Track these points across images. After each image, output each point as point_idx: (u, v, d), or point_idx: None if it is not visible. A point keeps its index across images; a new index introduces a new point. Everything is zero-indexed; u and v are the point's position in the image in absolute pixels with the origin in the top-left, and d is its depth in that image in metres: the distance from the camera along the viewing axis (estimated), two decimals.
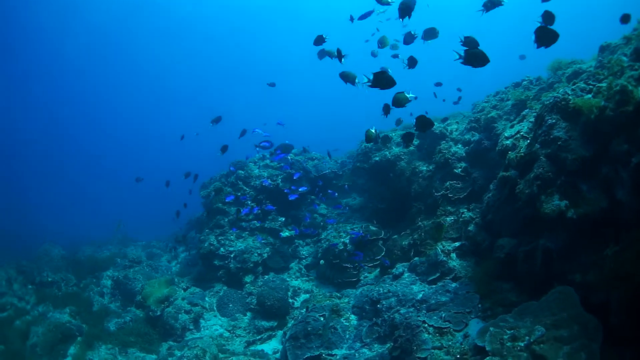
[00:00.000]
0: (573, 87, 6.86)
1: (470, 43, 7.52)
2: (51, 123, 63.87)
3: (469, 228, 9.29)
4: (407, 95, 6.93)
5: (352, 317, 9.77)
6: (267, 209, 13.64)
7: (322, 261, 12.15)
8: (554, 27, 6.40)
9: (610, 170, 5.71)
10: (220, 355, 9.34)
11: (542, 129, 6.72)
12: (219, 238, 13.17)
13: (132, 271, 14.21)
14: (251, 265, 12.57)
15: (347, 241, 11.83)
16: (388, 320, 8.49)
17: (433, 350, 6.83)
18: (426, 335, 7.21)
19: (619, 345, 5.12)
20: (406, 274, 9.84)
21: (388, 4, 9.19)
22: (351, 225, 12.60)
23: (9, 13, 46.99)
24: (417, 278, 9.53)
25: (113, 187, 45.94)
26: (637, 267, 4.92)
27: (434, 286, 8.78)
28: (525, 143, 7.55)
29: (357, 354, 8.52)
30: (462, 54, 6.39)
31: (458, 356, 6.44)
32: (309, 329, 9.20)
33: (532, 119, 7.99)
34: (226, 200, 13.68)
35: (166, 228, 19.59)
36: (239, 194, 13.98)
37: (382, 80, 6.48)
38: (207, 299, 12.04)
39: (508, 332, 5.84)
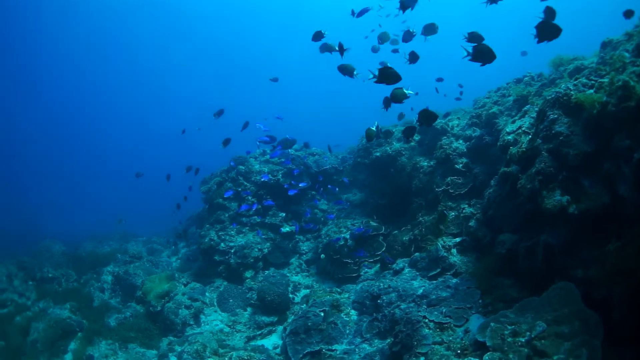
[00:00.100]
0: (575, 82, 6.83)
1: (475, 38, 7.50)
2: (51, 120, 63.85)
3: (470, 224, 9.28)
4: (406, 92, 6.90)
5: (353, 312, 9.78)
6: (267, 205, 13.61)
7: (322, 255, 12.14)
8: (555, 22, 6.38)
9: (612, 166, 5.69)
10: (221, 351, 9.34)
11: (544, 124, 6.69)
12: (220, 233, 13.16)
13: (133, 267, 14.20)
14: (251, 260, 12.57)
15: (348, 236, 11.82)
16: (388, 315, 8.48)
17: (433, 346, 6.82)
18: (427, 330, 7.20)
19: (620, 342, 5.11)
20: (407, 270, 9.83)
21: None
22: (352, 221, 12.58)
23: (9, 12, 46.95)
24: (417, 273, 9.52)
25: (114, 183, 45.92)
26: (639, 263, 4.90)
27: (435, 282, 8.78)
28: (527, 138, 7.53)
29: (357, 349, 8.53)
30: (470, 50, 6.38)
31: (459, 351, 6.43)
32: (309, 324, 9.20)
33: (534, 115, 7.96)
34: (225, 196, 13.65)
35: (167, 224, 19.60)
36: (240, 189, 13.95)
37: (387, 75, 6.46)
38: (207, 294, 12.04)
39: (509, 327, 5.83)
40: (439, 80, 13.41)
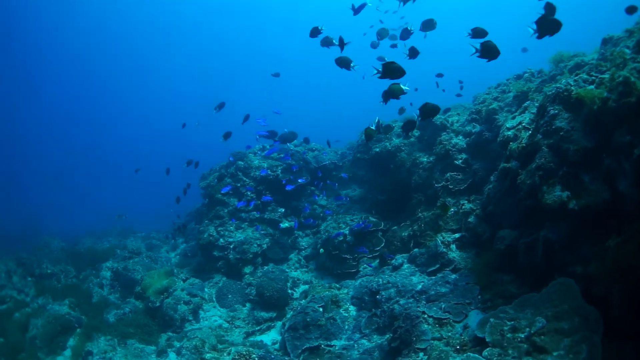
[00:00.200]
0: (575, 78, 6.81)
1: (479, 33, 7.51)
2: (51, 118, 63.97)
3: (469, 219, 9.27)
4: (403, 87, 6.88)
5: (351, 308, 9.78)
6: (265, 200, 13.59)
7: (321, 250, 12.13)
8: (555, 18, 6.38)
9: (612, 162, 5.67)
10: (219, 346, 9.34)
11: (544, 120, 6.67)
12: (219, 229, 13.13)
13: (132, 262, 14.18)
14: (250, 256, 12.55)
15: (347, 232, 11.80)
16: (387, 311, 8.48)
17: (432, 341, 6.82)
18: (426, 326, 7.20)
19: (620, 338, 5.11)
20: (406, 265, 9.82)
21: None
22: (351, 217, 12.56)
23: (10, 11, 46.87)
24: (416, 269, 9.52)
25: (114, 181, 46.01)
26: (639, 259, 4.89)
27: (434, 277, 8.78)
28: (527, 134, 7.51)
29: (356, 345, 8.53)
30: (477, 47, 6.49)
31: (458, 347, 6.43)
32: (308, 319, 9.19)
33: (534, 110, 7.94)
34: (222, 192, 13.62)
35: (166, 220, 19.56)
36: (239, 184, 13.93)
37: (391, 70, 6.45)
38: (206, 289, 12.03)
39: (508, 323, 5.82)
40: (439, 75, 13.38)
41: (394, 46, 12.16)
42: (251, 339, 10.32)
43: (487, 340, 5.81)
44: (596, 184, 5.86)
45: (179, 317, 11.05)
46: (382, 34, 11.61)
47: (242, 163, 14.35)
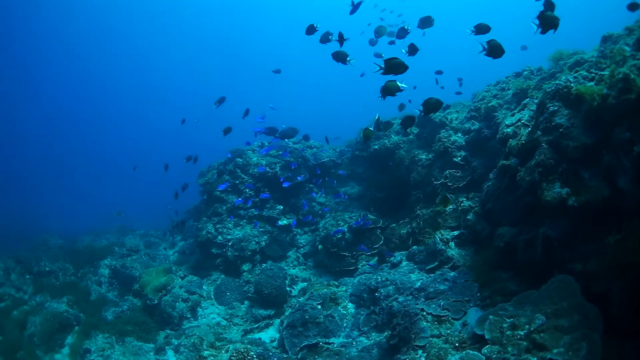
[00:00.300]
0: (575, 74, 6.78)
1: (482, 29, 7.53)
2: (50, 116, 63.80)
3: (468, 217, 9.25)
4: (400, 85, 6.86)
5: (350, 305, 9.78)
6: (263, 197, 13.56)
7: (320, 247, 12.11)
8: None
9: (612, 159, 5.65)
10: (218, 344, 9.31)
11: (544, 116, 6.65)
12: (217, 226, 13.10)
13: (130, 260, 14.16)
14: (249, 253, 12.52)
15: (346, 229, 11.78)
16: (386, 308, 8.47)
17: (431, 339, 6.80)
18: (425, 323, 7.18)
19: (620, 336, 5.10)
20: (404, 263, 9.82)
21: None
22: (349, 214, 12.54)
23: (10, 10, 46.81)
24: (415, 267, 9.52)
25: (113, 179, 45.98)
26: (639, 257, 4.88)
27: (433, 275, 8.77)
28: (527, 131, 7.48)
29: (354, 343, 8.52)
30: (484, 45, 6.62)
31: (457, 344, 6.41)
32: (306, 317, 9.17)
33: (534, 108, 7.93)
34: (219, 189, 13.58)
35: (164, 218, 19.55)
36: (237, 182, 13.90)
37: (393, 65, 6.44)
38: (204, 287, 12.00)
39: (508, 320, 5.81)
40: (438, 73, 13.37)
41: (392, 43, 12.14)
42: (249, 336, 10.30)
43: (486, 337, 5.79)
44: (596, 181, 5.84)
45: (177, 314, 11.02)
46: (380, 32, 11.60)
47: (241, 160, 14.31)
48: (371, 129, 9.01)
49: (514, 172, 7.32)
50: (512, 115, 8.61)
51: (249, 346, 8.62)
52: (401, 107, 12.44)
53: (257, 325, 10.70)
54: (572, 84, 6.49)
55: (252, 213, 13.45)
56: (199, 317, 11.19)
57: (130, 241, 16.96)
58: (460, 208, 9.68)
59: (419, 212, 10.80)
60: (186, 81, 71.59)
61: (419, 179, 11.47)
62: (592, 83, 6.38)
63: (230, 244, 12.68)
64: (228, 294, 11.76)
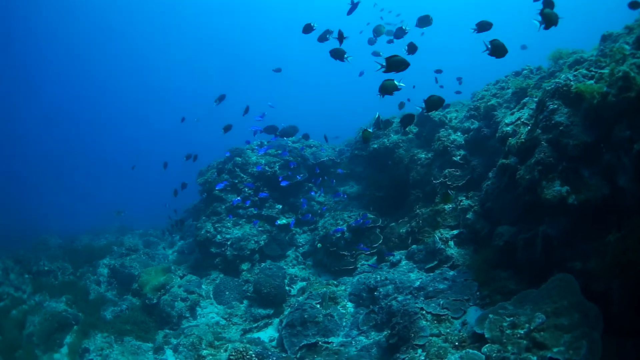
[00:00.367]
0: (575, 73, 6.78)
1: (484, 27, 7.54)
2: (50, 115, 63.86)
3: (468, 216, 9.24)
4: (397, 83, 6.86)
5: (349, 304, 9.76)
6: (262, 196, 13.54)
7: (319, 245, 12.09)
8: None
9: (612, 157, 5.64)
10: (216, 343, 9.29)
11: (544, 114, 6.63)
12: (216, 225, 13.07)
13: (129, 259, 14.14)
14: (248, 252, 12.50)
15: (345, 229, 11.76)
16: (385, 307, 8.45)
17: (431, 338, 6.78)
18: (424, 322, 7.16)
19: (619, 334, 5.09)
20: (404, 262, 9.81)
21: None
22: (348, 213, 12.52)
23: (10, 10, 46.80)
24: (414, 266, 9.52)
25: (112, 179, 45.98)
26: (639, 255, 4.86)
27: (432, 274, 8.77)
28: (526, 129, 7.46)
29: (353, 342, 8.50)
30: (487, 45, 6.64)
31: (456, 343, 6.40)
32: (305, 316, 9.15)
33: (533, 106, 7.92)
34: (217, 188, 13.56)
35: (163, 218, 19.56)
36: (236, 181, 13.87)
37: (395, 63, 6.43)
38: (203, 286, 11.98)
39: (507, 319, 5.79)
40: (438, 71, 13.36)
41: (390, 42, 12.13)
42: (248, 335, 10.28)
43: (486, 336, 5.78)
44: (596, 179, 5.83)
45: (176, 314, 11.00)
46: (379, 31, 11.58)
47: (240, 159, 14.29)
48: (370, 130, 9.02)
49: (514, 171, 7.31)
50: (512, 114, 8.59)
51: (247, 345, 8.60)
52: (401, 105, 12.42)
53: (256, 324, 10.68)
54: (572, 82, 6.48)
55: (251, 212, 13.42)
56: (198, 317, 11.17)
57: (129, 240, 16.92)
58: (459, 207, 9.68)
59: (418, 211, 10.79)
60: (186, 81, 71.65)
61: (418, 178, 11.45)
62: (592, 81, 6.37)
63: (229, 243, 12.66)
64: (227, 293, 11.74)
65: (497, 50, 6.61)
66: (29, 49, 54.72)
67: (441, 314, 7.29)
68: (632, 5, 7.92)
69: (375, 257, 11.17)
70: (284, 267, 12.24)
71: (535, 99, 7.94)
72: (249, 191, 13.66)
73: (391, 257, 10.17)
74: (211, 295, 11.80)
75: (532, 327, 5.39)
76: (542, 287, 5.96)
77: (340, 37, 7.99)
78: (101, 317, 11.37)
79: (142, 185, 38.98)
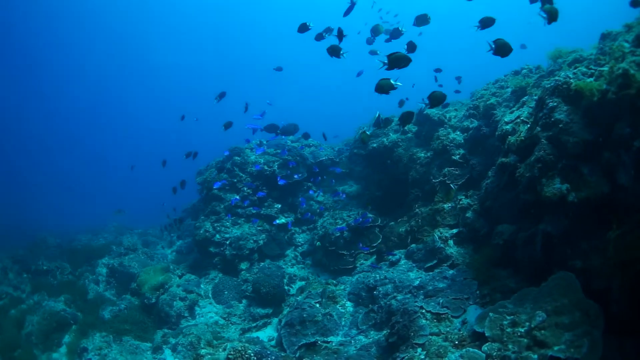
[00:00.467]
0: (574, 70, 6.76)
1: (487, 23, 7.56)
2: (49, 115, 63.88)
3: (467, 215, 9.22)
4: (393, 83, 6.86)
5: (348, 304, 9.74)
6: (259, 196, 13.51)
7: (318, 243, 12.07)
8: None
9: (612, 154, 5.62)
10: (215, 342, 9.26)
11: (543, 112, 6.61)
12: (215, 225, 13.05)
13: (128, 259, 14.12)
14: (247, 252, 12.46)
15: (344, 228, 11.74)
16: (385, 306, 8.43)
17: (431, 337, 6.76)
18: (424, 321, 7.15)
19: (619, 333, 5.07)
20: (403, 261, 9.80)
21: None
22: (347, 212, 12.51)
23: (10, 10, 46.79)
24: (414, 265, 9.50)
25: (112, 179, 46.00)
26: (639, 253, 4.85)
27: (431, 273, 8.75)
28: (526, 127, 7.45)
29: (353, 341, 8.47)
30: (491, 45, 6.75)
31: (456, 342, 6.38)
32: (304, 315, 9.13)
33: (533, 105, 7.90)
34: (215, 187, 13.52)
35: (163, 217, 19.56)
36: (235, 180, 13.85)
37: (396, 59, 6.43)
38: (202, 286, 11.96)
39: (508, 318, 5.77)
40: (438, 70, 13.35)
41: (388, 40, 12.14)
42: (247, 335, 10.26)
43: (486, 335, 5.76)
44: (596, 177, 5.80)
45: (174, 313, 10.97)
46: (377, 31, 11.58)
47: (239, 158, 14.26)
48: (370, 129, 9.05)
49: (513, 170, 7.29)
50: (511, 112, 8.57)
51: (246, 345, 8.55)
52: (401, 103, 12.42)
53: (255, 324, 10.66)
54: (571, 80, 6.46)
55: (250, 211, 13.40)
56: (197, 316, 11.14)
57: (128, 240, 16.88)
58: (459, 206, 9.67)
59: (417, 210, 10.78)
60: (186, 81, 71.52)
61: (417, 177, 11.44)
62: (591, 79, 6.35)
63: (228, 242, 12.63)
64: (226, 292, 11.71)
65: (502, 49, 6.67)
66: (29, 48, 54.69)
67: (441, 312, 7.27)
68: (634, 4, 7.90)
69: (375, 257, 11.15)
70: (283, 266, 12.22)
71: (535, 98, 7.92)
72: (248, 190, 13.63)
73: (390, 257, 10.15)
74: (210, 295, 11.78)
75: (532, 326, 5.37)
76: (542, 285, 5.94)
77: (340, 35, 8.00)
78: (100, 316, 11.34)
79: (141, 185, 38.98)
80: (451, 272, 8.39)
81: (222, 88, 12.41)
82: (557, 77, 6.75)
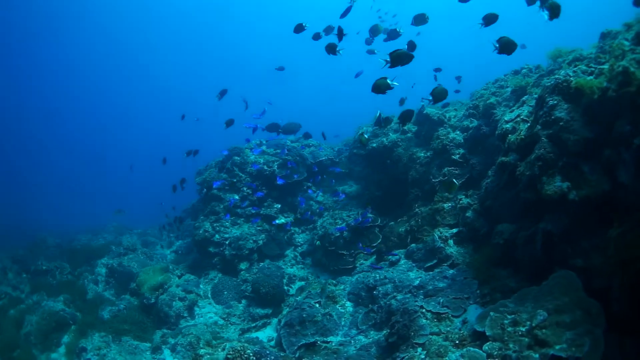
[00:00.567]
0: (574, 68, 6.75)
1: (490, 20, 7.58)
2: (49, 115, 63.88)
3: (467, 214, 9.20)
4: (390, 82, 6.85)
5: (348, 304, 9.72)
6: (258, 196, 13.48)
7: (317, 242, 12.05)
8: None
9: (612, 152, 5.60)
10: (214, 342, 9.24)
11: (544, 110, 6.59)
12: (214, 225, 13.02)
13: (127, 259, 14.09)
14: (246, 252, 12.43)
15: (344, 228, 11.72)
16: (384, 306, 8.40)
17: (431, 336, 6.74)
18: (424, 320, 7.12)
19: (620, 332, 5.05)
20: (403, 261, 9.78)
21: None
22: (347, 212, 12.48)
23: (10, 10, 46.84)
24: (414, 264, 9.48)
25: (112, 180, 46.00)
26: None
27: (431, 272, 8.73)
28: (526, 126, 7.43)
29: (352, 341, 8.45)
30: (496, 45, 6.80)
31: (457, 342, 6.35)
32: (304, 315, 9.11)
33: (532, 104, 7.88)
34: (214, 186, 13.49)
35: (162, 217, 19.54)
36: (235, 180, 13.82)
37: (399, 57, 6.43)
38: (201, 286, 11.93)
39: (509, 317, 5.74)
40: (437, 70, 13.34)
41: (387, 40, 12.13)
42: (247, 335, 10.23)
43: (487, 334, 5.74)
44: (596, 175, 5.79)
45: (174, 313, 10.95)
46: (376, 31, 11.57)
47: (239, 158, 14.24)
48: (370, 129, 9.02)
49: (513, 169, 7.27)
50: (511, 111, 8.54)
51: (245, 344, 8.53)
52: (401, 101, 12.40)
53: (254, 324, 10.64)
54: (571, 78, 6.44)
55: (250, 212, 13.37)
56: (196, 316, 11.11)
57: (128, 240, 16.83)
58: (458, 205, 9.64)
59: (417, 210, 10.75)
60: (186, 81, 71.56)
61: (417, 176, 11.41)
62: (591, 77, 6.33)
63: (227, 242, 12.61)
64: (225, 293, 11.69)
65: (507, 46, 6.68)
66: (28, 48, 54.72)
67: (441, 312, 7.25)
68: (637, 3, 7.88)
69: (374, 257, 11.13)
70: (283, 266, 12.20)
71: (535, 97, 7.90)
72: (248, 190, 13.61)
73: (390, 256, 10.13)
74: (209, 295, 11.76)
75: (533, 325, 5.34)
76: (543, 284, 5.91)
77: (340, 34, 8.00)
78: (99, 316, 11.32)
79: (141, 185, 38.97)
80: (451, 271, 8.36)
81: (222, 88, 12.39)
82: (557, 75, 6.74)
